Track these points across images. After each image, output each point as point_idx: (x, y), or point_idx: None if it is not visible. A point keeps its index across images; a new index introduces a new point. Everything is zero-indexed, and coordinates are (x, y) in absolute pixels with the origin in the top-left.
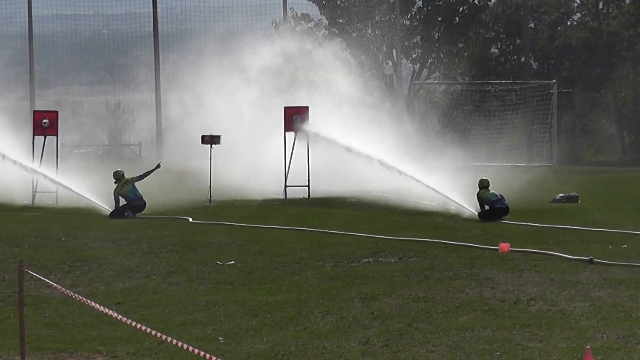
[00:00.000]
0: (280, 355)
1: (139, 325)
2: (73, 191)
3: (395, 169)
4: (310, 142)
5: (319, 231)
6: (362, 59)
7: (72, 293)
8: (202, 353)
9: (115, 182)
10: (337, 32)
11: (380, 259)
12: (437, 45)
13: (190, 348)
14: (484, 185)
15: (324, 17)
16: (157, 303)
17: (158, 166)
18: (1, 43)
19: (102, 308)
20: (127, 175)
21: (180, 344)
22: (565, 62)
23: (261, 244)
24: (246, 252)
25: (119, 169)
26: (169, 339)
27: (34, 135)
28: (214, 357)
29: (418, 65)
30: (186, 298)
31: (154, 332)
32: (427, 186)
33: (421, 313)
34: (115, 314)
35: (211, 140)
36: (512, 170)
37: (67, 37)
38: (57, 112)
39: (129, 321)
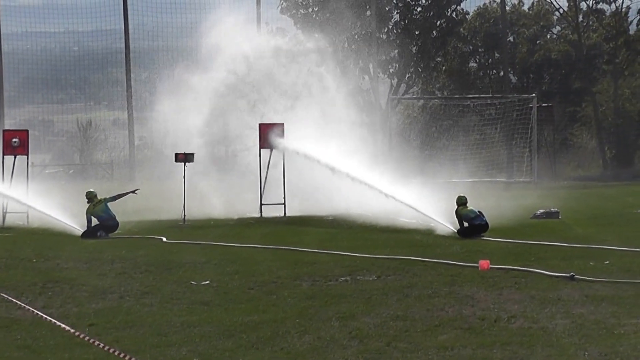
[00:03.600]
0: None
1: (110, 349)
2: (44, 213)
3: (371, 185)
4: (287, 157)
5: (296, 249)
6: (339, 74)
7: (43, 315)
8: None
9: (88, 202)
10: (312, 47)
11: (358, 277)
12: (415, 59)
13: None
14: (462, 202)
15: (299, 32)
16: (130, 324)
17: (134, 192)
18: None
19: (73, 330)
20: (99, 196)
21: None
22: (545, 76)
23: (237, 263)
24: (221, 271)
25: (91, 189)
26: None
27: (3, 155)
28: None
29: (396, 79)
30: (160, 319)
31: (125, 356)
32: (405, 203)
33: (400, 332)
34: (86, 337)
35: (185, 158)
36: (491, 186)
37: (37, 55)
38: (27, 131)
39: (101, 344)
